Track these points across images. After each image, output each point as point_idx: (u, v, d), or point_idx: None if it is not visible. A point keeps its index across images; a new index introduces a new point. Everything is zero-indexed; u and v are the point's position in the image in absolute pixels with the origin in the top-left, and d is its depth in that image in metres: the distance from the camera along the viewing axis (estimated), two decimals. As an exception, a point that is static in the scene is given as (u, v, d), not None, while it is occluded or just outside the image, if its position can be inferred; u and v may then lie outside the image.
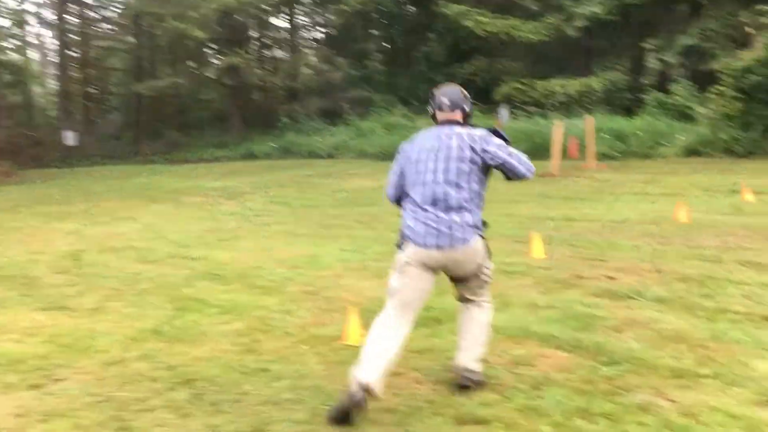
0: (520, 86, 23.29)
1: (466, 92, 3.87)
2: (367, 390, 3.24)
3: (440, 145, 3.56)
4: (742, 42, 18.38)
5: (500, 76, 24.66)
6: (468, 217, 3.49)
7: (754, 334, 4.18)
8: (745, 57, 15.86)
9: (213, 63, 27.47)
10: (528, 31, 22.64)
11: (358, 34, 36.06)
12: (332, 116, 27.28)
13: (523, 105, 22.17)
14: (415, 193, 3.55)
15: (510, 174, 3.65)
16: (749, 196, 9.91)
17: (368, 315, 4.09)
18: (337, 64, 30.00)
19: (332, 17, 34.52)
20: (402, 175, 3.67)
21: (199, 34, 24.78)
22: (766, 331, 4.24)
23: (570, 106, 21.55)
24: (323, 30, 37.36)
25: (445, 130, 3.64)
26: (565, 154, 16.25)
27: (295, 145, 25.65)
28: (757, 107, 15.18)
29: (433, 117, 3.79)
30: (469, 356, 3.66)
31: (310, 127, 26.86)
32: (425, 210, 3.49)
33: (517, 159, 3.66)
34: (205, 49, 29.84)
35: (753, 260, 5.87)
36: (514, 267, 6.10)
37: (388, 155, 22.37)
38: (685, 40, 20.30)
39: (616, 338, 4.26)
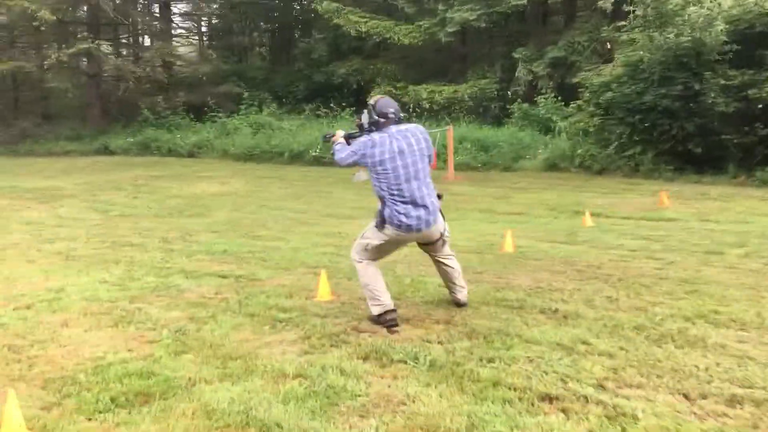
0: (393, 90, 22.59)
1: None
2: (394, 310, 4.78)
3: (410, 148, 4.68)
4: (606, 57, 18.42)
5: (375, 79, 23.91)
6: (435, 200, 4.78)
7: (519, 424, 3.36)
8: (605, 72, 15.74)
9: (65, 48, 25.12)
10: (402, 34, 21.96)
11: (237, 27, 34.51)
12: (198, 112, 25.65)
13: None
14: (402, 189, 4.65)
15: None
16: (589, 220, 9.44)
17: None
18: (206, 56, 28.33)
19: (215, 6, 32.79)
20: (364, 161, 4.76)
21: (46, 15, 22.50)
22: (537, 418, 3.43)
23: (440, 113, 21.05)
24: (204, 20, 35.56)
25: (402, 133, 4.75)
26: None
27: (156, 141, 23.86)
28: (612, 124, 15.04)
29: (374, 123, 4.79)
30: (462, 290, 5.19)
31: (174, 123, 25.14)
32: (410, 201, 4.67)
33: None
34: (60, 34, 27.36)
35: (556, 308, 5.15)
36: (287, 314, 5.12)
37: (251, 156, 21.13)
38: (554, 52, 20.22)
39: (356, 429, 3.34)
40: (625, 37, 14.92)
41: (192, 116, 25.44)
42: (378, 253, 4.94)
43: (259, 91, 27.22)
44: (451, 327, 4.78)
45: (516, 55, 21.00)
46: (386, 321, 4.75)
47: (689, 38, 13.01)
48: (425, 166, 4.74)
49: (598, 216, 10.20)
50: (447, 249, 5.11)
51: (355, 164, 4.89)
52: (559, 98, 18.88)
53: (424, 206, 4.71)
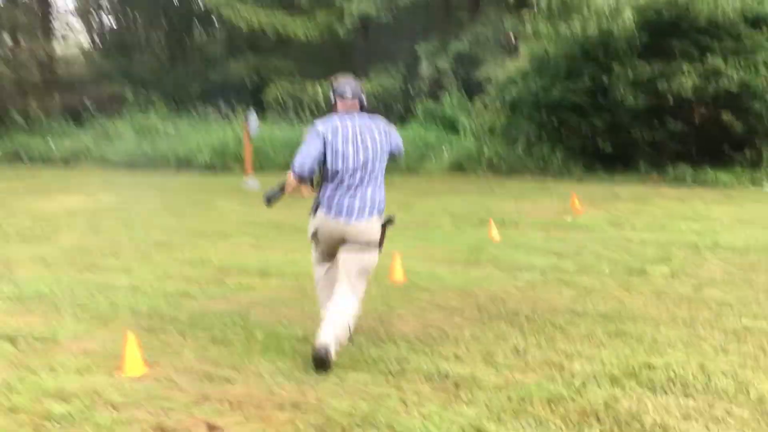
0: (290, 88, 21.11)
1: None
2: None
3: (363, 136, 4.15)
4: (511, 51, 17.56)
5: (270, 77, 22.33)
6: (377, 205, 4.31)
7: None
8: (510, 67, 14.80)
9: None
10: (299, 28, 20.48)
11: (127, 22, 32.13)
12: (78, 116, 23.33)
13: (294, 108, 20.08)
14: (340, 175, 4.12)
15: (398, 158, 4.52)
16: (495, 232, 8.31)
17: None
18: (88, 54, 25.99)
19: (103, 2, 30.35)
20: (321, 157, 4.11)
21: None
22: None
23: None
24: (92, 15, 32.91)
25: (361, 121, 4.22)
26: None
27: (27, 148, 21.46)
28: (519, 121, 14.12)
29: (333, 105, 4.30)
30: (329, 333, 3.98)
31: (50, 128, 22.73)
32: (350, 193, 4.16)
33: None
34: None
35: (447, 371, 3.88)
36: (67, 406, 3.61)
37: (134, 163, 19.17)
38: (458, 46, 19.23)
39: None
40: (529, 28, 14.00)
41: (71, 120, 23.11)
42: (321, 252, 4.42)
43: (149, 92, 25.15)
44: (298, 415, 3.42)
45: (419, 50, 19.90)
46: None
47: (596, 28, 12.16)
48: (377, 162, 4.22)
49: (506, 225, 9.12)
50: (358, 279, 4.26)
51: (309, 155, 4.13)
52: (465, 95, 17.90)
53: (358, 198, 4.18)
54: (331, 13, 20.06)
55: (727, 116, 12.07)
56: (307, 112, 18.97)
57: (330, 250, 4.33)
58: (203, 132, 19.33)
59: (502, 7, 19.24)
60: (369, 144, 4.15)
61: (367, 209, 4.21)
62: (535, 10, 13.88)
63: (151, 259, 7.60)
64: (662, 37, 12.44)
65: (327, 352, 3.87)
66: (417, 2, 19.72)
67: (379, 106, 20.55)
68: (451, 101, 17.63)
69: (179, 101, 25.42)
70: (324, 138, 4.11)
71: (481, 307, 5.19)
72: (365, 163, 4.14)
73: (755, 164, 12.26)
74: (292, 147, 15.97)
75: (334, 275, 4.28)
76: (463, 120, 16.29)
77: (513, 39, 17.07)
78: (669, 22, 12.27)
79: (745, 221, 9.00)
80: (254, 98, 22.82)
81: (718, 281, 5.81)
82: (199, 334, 4.68)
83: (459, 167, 14.93)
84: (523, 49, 14.64)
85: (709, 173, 12.38)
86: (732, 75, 11.76)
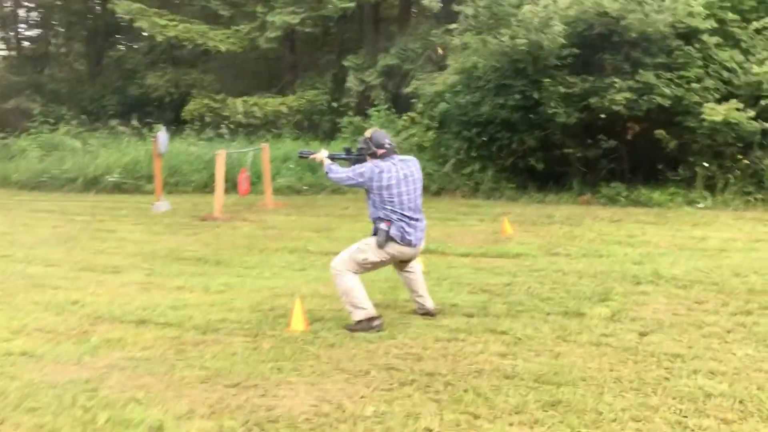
0: (211, 103, 19.94)
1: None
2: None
3: (411, 176, 5.17)
4: (440, 65, 16.90)
5: (190, 92, 21.10)
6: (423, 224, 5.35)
7: None
8: (438, 81, 14.10)
9: None
10: (219, 40, 19.35)
11: (40, 33, 30.30)
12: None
13: (214, 125, 18.92)
14: (402, 209, 5.10)
15: None
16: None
17: None
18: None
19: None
20: (369, 184, 5.09)
21: None
22: None
23: (263, 129, 18.65)
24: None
25: (406, 163, 5.25)
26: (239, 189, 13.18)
27: None
28: (449, 138, 13.40)
29: (372, 154, 5.21)
30: (429, 299, 5.48)
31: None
32: (415, 220, 5.16)
33: None
34: None
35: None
36: None
37: (38, 184, 17.64)
38: (387, 60, 18.48)
39: None
40: (457, 41, 13.34)
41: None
42: (369, 269, 5.25)
43: (62, 106, 23.53)
44: None
45: (346, 64, 19.07)
46: (372, 326, 5.01)
47: (525, 41, 11.55)
48: (420, 193, 5.26)
49: (432, 254, 8.29)
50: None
51: (355, 186, 5.25)
52: (394, 110, 17.13)
53: (419, 227, 5.22)
54: (254, 25, 19.01)
55: (660, 133, 11.62)
56: (227, 130, 17.83)
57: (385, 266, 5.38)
58: (115, 150, 17.94)
59: (431, 20, 18.62)
60: (413, 181, 5.20)
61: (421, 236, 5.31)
62: (463, 20, 13.22)
63: (11, 302, 6.44)
64: (593, 51, 11.93)
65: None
66: (342, 13, 18.88)
67: (305, 122, 19.64)
68: (378, 117, 16.82)
69: (95, 117, 23.91)
70: (374, 176, 5.08)
71: (392, 369, 4.29)
72: (416, 198, 5.22)
73: (689, 183, 11.84)
74: (210, 166, 14.93)
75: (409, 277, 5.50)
76: (391, 137, 15.47)
77: (440, 52, 16.40)
78: (600, 36, 11.77)
79: (683, 246, 8.42)
80: (174, 114, 21.56)
81: (664, 325, 5.09)
82: (23, 419, 3.62)
83: (386, 187, 14.10)
84: (452, 63, 13.95)
85: (643, 192, 11.89)
86: (664, 90, 11.32)
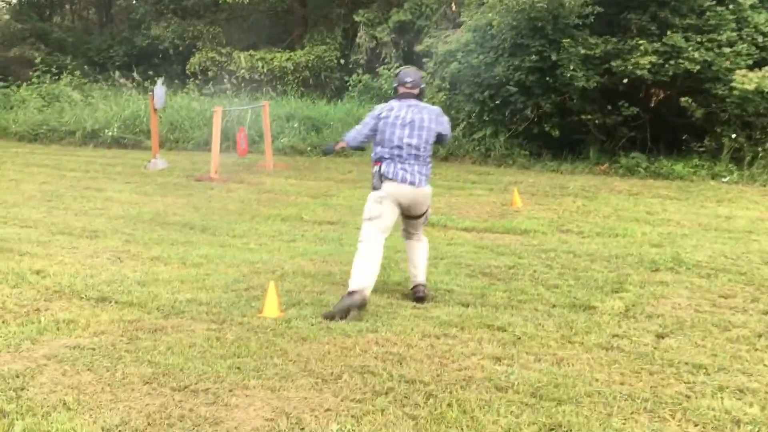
0: (216, 57, 19.21)
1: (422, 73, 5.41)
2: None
3: (413, 117, 4.84)
4: (455, 22, 16.02)
5: (196, 44, 20.36)
6: (425, 170, 4.91)
7: None
8: (451, 39, 13.27)
9: None
10: (226, -11, 18.52)
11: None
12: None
13: (219, 80, 18.23)
14: (397, 150, 4.81)
15: (444, 142, 5.21)
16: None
17: None
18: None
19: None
20: (376, 132, 4.87)
21: None
22: None
23: (270, 84, 17.94)
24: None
25: (414, 105, 4.90)
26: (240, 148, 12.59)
27: None
28: (459, 101, 12.64)
29: (395, 89, 5.02)
30: (422, 275, 5.10)
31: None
32: (411, 163, 4.83)
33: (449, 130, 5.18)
34: None
35: None
36: None
37: (37, 136, 17.12)
38: (399, 15, 17.60)
39: None
40: (472, -5, 12.51)
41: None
42: (383, 223, 4.90)
43: (66, 56, 22.89)
44: None
45: (357, 18, 18.21)
46: (351, 302, 4.62)
47: (545, -2, 10.70)
48: (427, 141, 4.90)
49: (432, 228, 7.69)
50: (420, 231, 5.22)
51: (369, 135, 4.97)
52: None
53: (416, 169, 4.87)
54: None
55: (686, 101, 10.82)
56: (230, 85, 17.12)
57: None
58: (115, 103, 17.33)
59: (447, -26, 17.63)
60: (417, 127, 4.85)
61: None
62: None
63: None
64: (618, 9, 11.06)
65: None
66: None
67: (314, 78, 18.89)
68: (389, 76, 16.05)
69: (101, 68, 23.28)
70: (374, 115, 4.93)
71: (367, 372, 3.72)
72: (418, 144, 4.86)
73: (715, 155, 11.07)
74: (212, 123, 14.29)
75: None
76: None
77: (454, 8, 15.52)
78: (626, -7, 10.93)
79: (707, 227, 7.74)
80: (182, 67, 20.88)
81: (685, 325, 4.47)
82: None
83: (393, 150, 13.42)
84: (466, 20, 13.10)
85: (665, 164, 11.14)
86: (693, 55, 10.48)
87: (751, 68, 10.51)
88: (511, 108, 12.03)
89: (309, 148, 14.27)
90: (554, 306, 4.84)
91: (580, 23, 11.08)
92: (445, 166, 12.28)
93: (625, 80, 11.00)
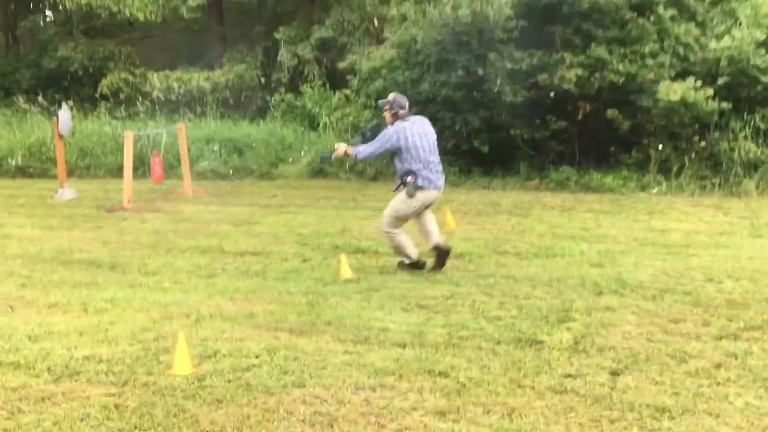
0: (130, 78, 18.29)
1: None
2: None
3: (426, 130, 6.16)
4: (379, 38, 15.72)
5: (107, 64, 19.37)
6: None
7: None
8: (375, 56, 12.91)
9: None
10: (136, 7, 17.64)
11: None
12: None
13: (131, 101, 17.32)
14: (425, 161, 6.01)
15: None
16: (346, 268, 6.39)
17: None
18: None
19: None
20: (389, 153, 6.12)
21: None
22: None
23: (189, 106, 17.16)
24: None
25: (417, 121, 6.20)
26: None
27: None
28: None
29: (395, 114, 6.11)
30: (438, 235, 6.30)
31: None
32: (436, 170, 6.13)
33: None
34: None
35: None
36: None
37: None
38: (321, 32, 17.14)
39: None
40: (395, 11, 12.18)
41: None
42: (405, 219, 6.18)
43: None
44: None
45: (278, 36, 17.65)
46: (417, 265, 6.24)
47: (468, 11, 10.46)
48: (435, 146, 6.22)
49: (363, 254, 7.24)
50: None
51: (387, 152, 6.12)
52: (328, 87, 15.90)
53: (439, 171, 6.20)
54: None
55: (612, 113, 10.76)
56: (142, 108, 16.25)
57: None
58: (19, 129, 16.18)
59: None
60: (428, 136, 6.12)
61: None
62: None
63: None
64: (542, 23, 10.93)
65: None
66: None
67: (235, 98, 18.20)
68: (312, 95, 15.56)
69: (6, 92, 21.87)
70: (401, 137, 5.95)
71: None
72: (434, 151, 6.17)
73: (642, 166, 11.03)
74: (121, 147, 13.46)
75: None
76: (324, 116, 14.23)
77: (376, 23, 15.22)
78: (549, 6, 10.76)
79: (643, 241, 7.56)
80: (94, 89, 19.78)
81: (640, 358, 4.12)
82: None
83: (319, 172, 12.90)
84: (390, 36, 12.77)
85: (594, 177, 11.05)
86: (618, 67, 10.43)
87: (674, 79, 10.54)
88: (439, 125, 11.61)
89: (231, 171, 13.59)
90: (498, 342, 4.44)
91: (505, 37, 10.89)
92: (373, 187, 11.86)
93: (552, 94, 10.87)
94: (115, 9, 17.40)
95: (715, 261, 6.56)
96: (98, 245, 8.21)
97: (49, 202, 11.44)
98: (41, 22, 25.95)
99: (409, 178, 5.99)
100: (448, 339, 4.52)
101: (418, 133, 6.00)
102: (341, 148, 6.37)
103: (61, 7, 21.39)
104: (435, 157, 6.13)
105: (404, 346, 4.41)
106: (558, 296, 5.45)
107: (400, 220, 6.17)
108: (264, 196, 11.57)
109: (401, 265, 6.34)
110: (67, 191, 11.84)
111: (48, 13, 26.62)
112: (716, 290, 5.54)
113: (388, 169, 12.47)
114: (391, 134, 6.00)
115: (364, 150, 6.18)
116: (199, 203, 11.02)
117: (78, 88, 20.81)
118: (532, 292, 5.60)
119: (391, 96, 6.29)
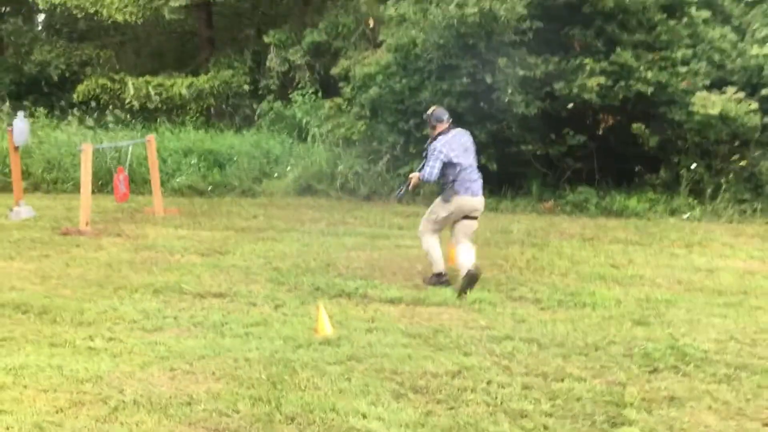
0: (108, 84, 16.99)
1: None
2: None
3: (466, 143, 6.35)
4: (375, 42, 14.42)
5: (83, 69, 18.09)
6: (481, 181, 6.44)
7: None
8: (370, 61, 11.61)
9: None
10: (115, 8, 16.37)
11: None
12: None
13: (106, 109, 16.01)
14: (469, 169, 6.26)
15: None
16: (326, 324, 5.05)
17: None
18: None
19: None
20: (448, 163, 6.13)
21: None
22: None
23: (166, 114, 15.86)
24: None
25: (458, 133, 6.38)
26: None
27: None
28: (381, 130, 10.95)
29: (434, 128, 6.33)
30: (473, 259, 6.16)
31: None
32: (475, 180, 6.30)
33: None
34: None
35: None
36: None
37: None
38: (314, 36, 15.86)
39: None
40: (392, 12, 10.89)
41: None
42: (443, 223, 6.35)
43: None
44: None
45: (268, 40, 16.38)
46: (441, 281, 6.31)
47: (476, 10, 9.17)
48: (475, 158, 6.45)
49: (351, 298, 5.93)
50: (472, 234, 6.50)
51: (442, 164, 6.14)
52: (321, 95, 14.61)
53: (479, 181, 6.35)
54: (157, -8, 16.11)
55: (638, 127, 9.46)
56: (113, 117, 14.90)
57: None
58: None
59: (364, -10, 16.04)
60: (470, 150, 6.40)
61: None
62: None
63: None
64: (559, 24, 9.63)
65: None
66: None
67: (220, 105, 16.92)
68: (303, 103, 14.25)
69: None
70: (446, 154, 6.13)
71: None
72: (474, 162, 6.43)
73: (671, 188, 9.74)
74: (98, 159, 12.18)
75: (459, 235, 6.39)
76: (314, 127, 12.91)
77: (371, 25, 13.93)
78: (567, 5, 9.49)
79: (689, 286, 6.24)
80: (62, 97, 18.49)
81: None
82: None
83: (307, 188, 11.57)
84: (386, 39, 11.46)
85: (617, 199, 9.75)
86: (646, 75, 9.14)
87: (708, 89, 9.25)
88: (440, 138, 10.41)
89: (210, 188, 12.25)
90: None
91: (517, 40, 9.59)
92: (366, 208, 10.53)
93: (570, 105, 9.56)
94: (92, 10, 16.09)
95: (788, 317, 5.23)
96: (36, 281, 6.88)
97: (3, 222, 10.11)
98: (23, 25, 24.76)
99: (449, 186, 6.22)
100: (455, 454, 3.18)
101: (461, 147, 6.23)
102: (414, 177, 6.48)
103: (34, 8, 20.17)
104: (472, 166, 6.32)
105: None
106: (600, 375, 4.12)
107: (435, 223, 6.35)
108: (243, 217, 10.22)
109: (427, 281, 6.42)
110: (24, 210, 10.50)
111: (40, 18, 25.53)
112: (807, 366, 4.21)
113: (383, 187, 11.17)
114: (440, 149, 6.15)
115: (424, 171, 6.26)
116: (168, 225, 9.68)
117: (59, 94, 19.57)
118: (565, 367, 4.26)
119: (430, 110, 6.50)
